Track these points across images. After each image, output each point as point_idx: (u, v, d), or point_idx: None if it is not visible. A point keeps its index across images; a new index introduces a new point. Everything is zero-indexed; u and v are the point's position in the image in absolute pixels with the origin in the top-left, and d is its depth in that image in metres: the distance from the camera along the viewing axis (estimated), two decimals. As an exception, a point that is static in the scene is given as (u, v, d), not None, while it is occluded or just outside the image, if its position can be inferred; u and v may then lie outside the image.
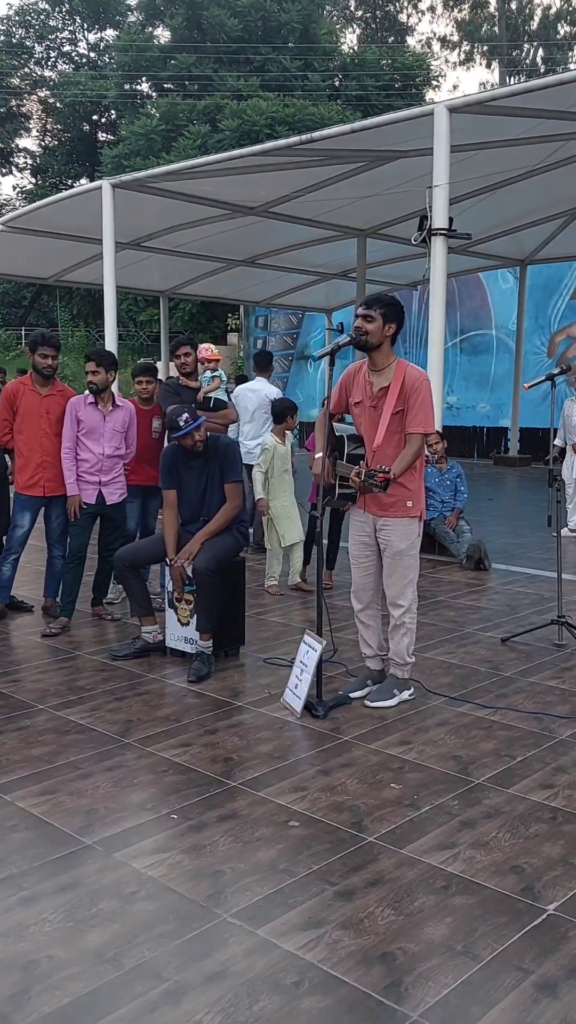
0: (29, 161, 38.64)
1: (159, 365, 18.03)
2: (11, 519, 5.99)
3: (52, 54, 38.32)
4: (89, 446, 5.79)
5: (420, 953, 2.42)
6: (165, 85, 30.35)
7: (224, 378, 6.75)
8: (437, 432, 7.67)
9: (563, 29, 39.50)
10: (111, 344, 10.09)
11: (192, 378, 6.46)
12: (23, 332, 32.19)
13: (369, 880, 2.78)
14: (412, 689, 4.47)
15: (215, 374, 6.58)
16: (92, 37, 38.44)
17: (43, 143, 38.22)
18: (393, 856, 2.93)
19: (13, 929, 2.53)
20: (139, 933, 2.51)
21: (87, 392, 5.84)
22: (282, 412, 6.88)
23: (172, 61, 29.14)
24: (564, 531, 9.24)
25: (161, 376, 15.46)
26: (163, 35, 31.84)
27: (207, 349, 6.85)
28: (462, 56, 42.09)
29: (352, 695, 4.43)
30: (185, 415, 4.92)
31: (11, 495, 6.17)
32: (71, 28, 38.20)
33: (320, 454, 4.31)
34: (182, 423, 4.90)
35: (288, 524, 6.78)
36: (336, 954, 2.41)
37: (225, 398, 6.70)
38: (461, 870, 2.84)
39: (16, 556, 6.00)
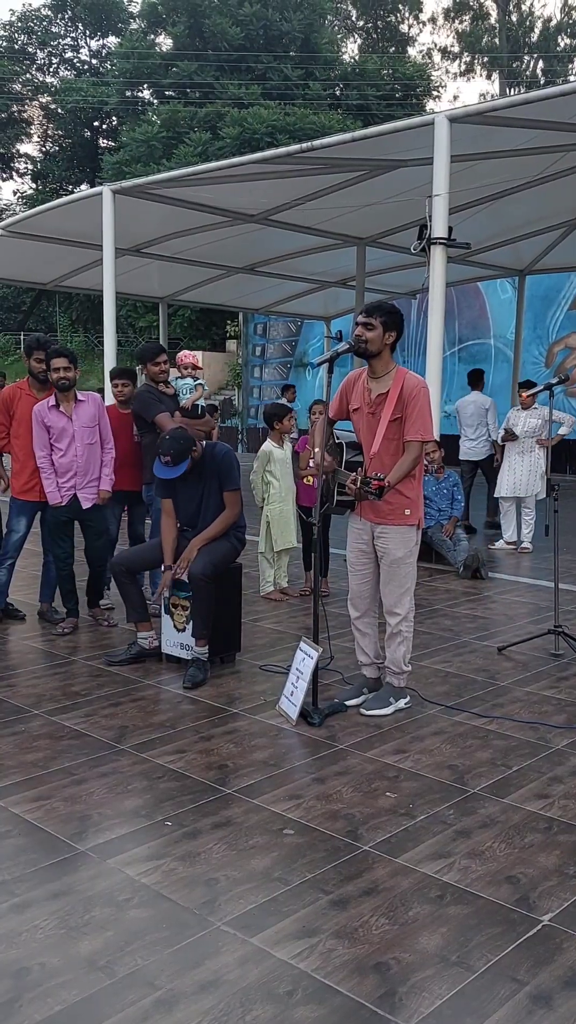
0: (30, 166, 38.75)
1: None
2: (7, 524, 5.98)
3: (54, 60, 38.46)
4: (64, 449, 5.67)
5: (414, 963, 2.41)
6: (166, 92, 30.44)
7: (206, 387, 6.74)
8: (435, 441, 7.67)
9: (563, 41, 39.69)
10: (110, 350, 10.09)
11: (167, 385, 6.41)
12: (22, 337, 32.21)
13: (364, 889, 2.77)
14: (408, 698, 4.46)
15: (198, 382, 6.57)
16: (94, 44, 38.60)
17: (44, 148, 38.32)
18: (388, 865, 2.92)
19: (5, 936, 2.51)
20: (132, 941, 2.49)
21: (50, 396, 5.72)
22: (268, 418, 6.83)
23: (174, 68, 29.23)
24: (500, 543, 9.19)
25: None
26: (165, 43, 31.96)
27: (192, 356, 6.82)
28: (463, 67, 42.31)
29: (348, 703, 4.42)
30: (168, 456, 4.81)
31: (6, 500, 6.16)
32: (73, 35, 38.34)
33: (316, 449, 4.32)
34: (163, 462, 4.82)
35: (284, 529, 6.77)
36: (330, 963, 2.40)
37: (204, 405, 6.70)
38: (456, 880, 2.83)
39: (12, 561, 5.99)
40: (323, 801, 3.38)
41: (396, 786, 3.53)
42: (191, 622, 4.92)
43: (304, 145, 8.77)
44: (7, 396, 5.94)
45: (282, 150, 9.08)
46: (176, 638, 5.08)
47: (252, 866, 2.90)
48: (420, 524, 4.38)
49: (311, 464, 6.45)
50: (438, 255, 7.63)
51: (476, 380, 10.16)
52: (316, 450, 4.35)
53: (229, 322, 28.04)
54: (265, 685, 4.77)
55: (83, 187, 35.88)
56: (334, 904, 2.68)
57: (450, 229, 7.67)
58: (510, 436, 8.96)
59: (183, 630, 5.02)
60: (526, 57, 40.05)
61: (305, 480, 6.75)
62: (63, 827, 3.15)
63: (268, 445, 6.81)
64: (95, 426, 5.77)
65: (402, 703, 4.41)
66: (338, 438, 4.45)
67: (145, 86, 32.13)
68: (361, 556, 4.43)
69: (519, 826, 3.20)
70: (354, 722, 4.23)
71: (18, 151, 38.96)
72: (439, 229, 7.59)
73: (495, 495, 9.33)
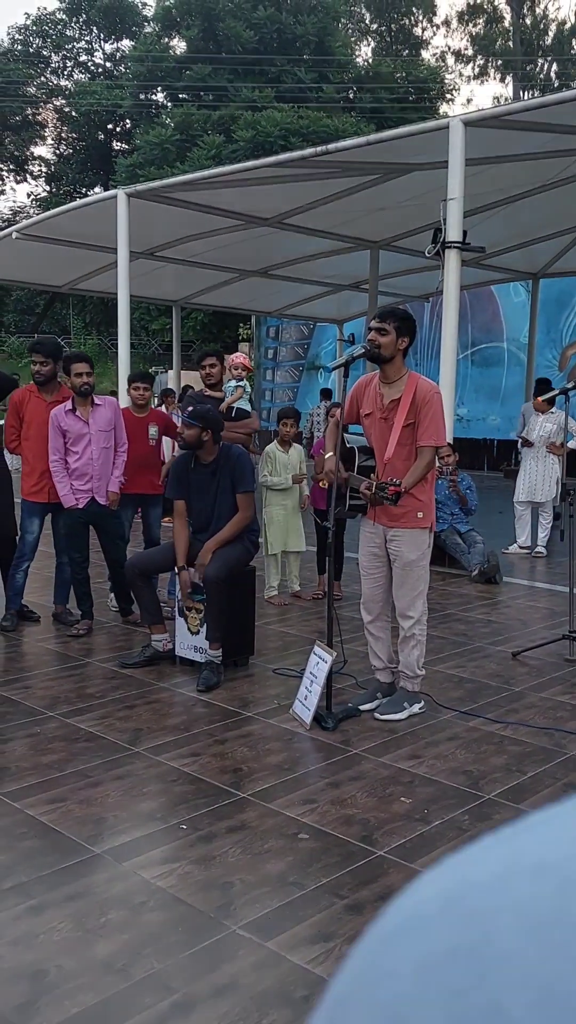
0: (44, 169, 38.91)
1: (170, 374, 18.06)
2: (21, 526, 6.00)
3: (68, 64, 38.62)
4: (79, 453, 5.68)
5: (430, 969, 2.40)
6: (180, 95, 30.51)
7: (248, 389, 6.69)
8: (448, 444, 7.65)
9: (577, 44, 39.59)
10: (124, 352, 10.10)
11: (216, 389, 6.47)
12: (37, 337, 32.30)
13: (379, 894, 2.77)
14: (422, 702, 4.46)
15: (239, 384, 6.54)
16: (108, 47, 38.71)
17: (58, 151, 38.47)
18: (403, 870, 2.92)
19: (22, 938, 2.53)
20: (148, 944, 2.50)
21: (68, 400, 5.79)
22: (277, 419, 6.86)
23: (187, 72, 29.30)
24: (513, 547, 9.18)
25: (173, 386, 15.42)
26: (179, 46, 32.01)
27: (242, 357, 6.81)
28: (476, 70, 42.24)
29: (362, 707, 4.42)
30: (192, 409, 4.99)
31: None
32: (87, 38, 38.48)
33: (330, 454, 4.33)
34: (186, 412, 5.00)
35: (279, 532, 6.76)
36: (346, 969, 2.40)
37: (248, 408, 6.67)
38: (471, 886, 2.82)
39: (28, 563, 6.02)
40: (338, 806, 3.38)
41: (411, 791, 3.52)
42: (205, 625, 4.93)
43: (319, 149, 8.77)
44: (17, 399, 5.98)
45: (296, 153, 9.08)
46: (190, 641, 5.09)
47: (267, 870, 2.90)
48: (432, 527, 4.39)
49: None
50: (452, 259, 7.61)
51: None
52: (328, 454, 4.36)
53: (242, 325, 28.06)
54: (279, 689, 4.78)
55: (97, 190, 35.99)
56: (349, 909, 2.68)
57: (464, 233, 7.65)
58: (526, 442, 8.97)
59: (197, 633, 5.03)
60: (540, 60, 39.98)
61: (320, 484, 6.74)
62: (79, 829, 3.17)
63: (271, 446, 6.81)
64: (111, 430, 5.79)
65: (416, 708, 4.40)
66: (348, 443, 4.45)
67: (159, 89, 32.21)
68: (374, 560, 4.44)
69: (534, 832, 3.19)
70: (368, 727, 4.23)
71: (32, 153, 39.12)
72: (454, 233, 7.57)
73: (514, 499, 9.32)
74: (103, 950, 2.47)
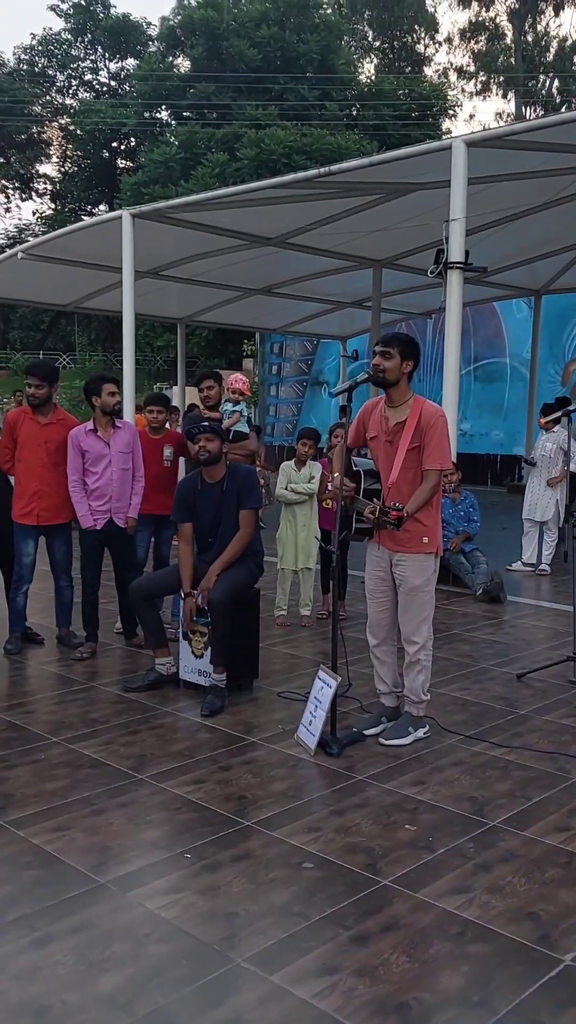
0: (49, 187, 39.20)
1: (175, 390, 18.11)
2: (16, 548, 5.99)
3: (73, 83, 38.98)
4: (99, 473, 5.74)
5: (436, 1004, 2.39)
6: (184, 114, 30.75)
7: (245, 413, 6.68)
8: (452, 462, 7.65)
9: (579, 60, 39.80)
10: (129, 370, 10.13)
11: (215, 410, 6.52)
12: (41, 356, 32.45)
13: (383, 925, 2.76)
14: (427, 727, 4.45)
15: (235, 408, 6.54)
16: (113, 66, 39.09)
17: (63, 169, 38.75)
18: (408, 900, 2.91)
19: (26, 971, 2.52)
20: (152, 978, 2.49)
21: (90, 420, 5.86)
22: (297, 438, 6.90)
23: (191, 90, 29.54)
24: (517, 564, 9.17)
25: (177, 403, 15.46)
26: (183, 64, 32.28)
27: (240, 381, 6.81)
28: (478, 86, 42.48)
29: (366, 732, 4.41)
30: (206, 423, 5.09)
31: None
32: (93, 58, 38.86)
33: (337, 473, 4.35)
34: (200, 426, 5.06)
35: (285, 549, 6.77)
36: (351, 1003, 2.39)
37: (246, 430, 6.68)
38: (476, 916, 2.82)
39: (27, 585, 6.02)
40: (342, 834, 3.37)
41: (415, 818, 3.52)
42: (209, 648, 4.93)
43: (323, 170, 8.82)
44: (11, 420, 6.01)
45: (300, 175, 9.13)
46: (194, 664, 5.09)
47: (272, 900, 2.89)
48: (438, 552, 4.38)
49: (329, 488, 6.46)
50: (455, 279, 7.63)
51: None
52: (335, 475, 4.38)
53: (246, 341, 28.16)
54: (283, 713, 4.77)
55: (102, 207, 36.25)
56: (354, 940, 2.68)
57: (467, 253, 7.67)
58: (530, 463, 9.00)
59: (201, 656, 5.03)
60: (542, 76, 40.19)
61: (325, 504, 6.75)
62: (83, 858, 3.16)
63: (287, 464, 6.85)
64: (130, 452, 5.88)
65: (421, 733, 4.40)
66: (356, 466, 4.47)
67: (163, 107, 32.47)
68: (380, 584, 4.44)
69: (539, 860, 3.19)
70: (373, 752, 4.22)
71: (37, 172, 39.45)
72: (456, 253, 7.59)
73: (523, 515, 9.32)
74: (107, 984, 2.46)
